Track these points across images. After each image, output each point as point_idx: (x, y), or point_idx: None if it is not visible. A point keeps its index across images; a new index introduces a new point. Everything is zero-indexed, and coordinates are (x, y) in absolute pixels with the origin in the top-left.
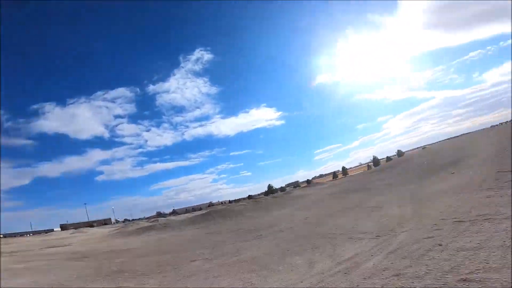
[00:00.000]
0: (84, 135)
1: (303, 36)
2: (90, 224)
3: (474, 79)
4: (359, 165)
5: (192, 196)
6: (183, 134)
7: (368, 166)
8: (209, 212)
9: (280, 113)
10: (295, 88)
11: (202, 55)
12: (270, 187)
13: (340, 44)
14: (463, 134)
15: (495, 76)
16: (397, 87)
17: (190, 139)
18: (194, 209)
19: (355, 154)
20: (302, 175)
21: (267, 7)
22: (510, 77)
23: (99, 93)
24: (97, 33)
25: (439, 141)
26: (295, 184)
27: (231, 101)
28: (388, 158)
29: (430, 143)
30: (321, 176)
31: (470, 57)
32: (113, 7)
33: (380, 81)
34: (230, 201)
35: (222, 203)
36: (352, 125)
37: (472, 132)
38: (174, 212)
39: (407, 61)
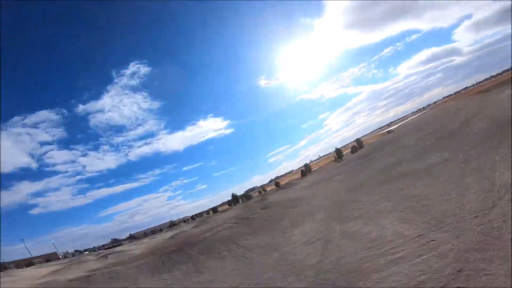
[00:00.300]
0: (7, 168)
1: (243, 43)
2: (29, 262)
3: (390, 72)
4: (310, 162)
5: (148, 218)
6: (127, 154)
7: (335, 158)
8: (181, 247)
9: (228, 121)
10: (240, 95)
11: (138, 69)
12: (234, 196)
13: (279, 47)
14: (391, 122)
15: (405, 69)
16: (330, 85)
17: (136, 159)
18: (154, 231)
19: (305, 152)
20: (258, 180)
21: (202, 12)
22: (417, 69)
23: (16, 118)
24: (6, 48)
25: (385, 125)
26: (260, 189)
27: (176, 115)
28: (354, 148)
29: (367, 133)
30: (277, 178)
31: (385, 53)
32: (28, 16)
33: (315, 81)
34: (192, 217)
35: (184, 220)
36: (297, 125)
37: (401, 117)
38: (131, 237)
39: (335, 60)
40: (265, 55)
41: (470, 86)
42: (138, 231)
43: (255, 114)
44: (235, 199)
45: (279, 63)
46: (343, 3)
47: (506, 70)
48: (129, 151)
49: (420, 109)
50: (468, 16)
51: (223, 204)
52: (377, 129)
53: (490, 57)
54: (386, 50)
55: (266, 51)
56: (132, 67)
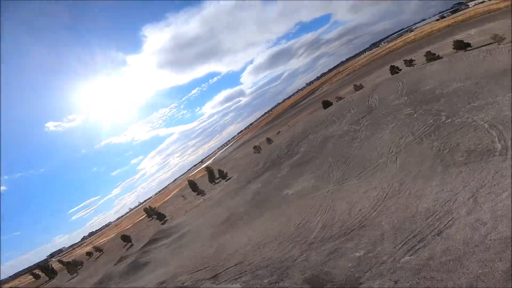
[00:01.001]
0: None
1: (20, 74)
2: None
3: (197, 112)
4: (129, 211)
5: None
6: None
7: (195, 189)
8: None
9: None
10: (15, 143)
11: None
12: (46, 267)
13: (79, 83)
14: (204, 158)
15: (208, 108)
16: (142, 127)
17: None
18: None
19: (121, 201)
20: (63, 241)
21: None
22: (218, 109)
23: None
24: None
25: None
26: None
27: None
28: (210, 175)
29: (184, 172)
30: (92, 234)
31: (193, 94)
32: None
33: (125, 122)
34: None
35: None
36: (106, 174)
37: (209, 154)
38: None
39: (148, 100)
40: (55, 91)
41: (254, 122)
42: None
43: (41, 164)
44: (47, 269)
45: (76, 101)
46: (160, 42)
47: (274, 107)
48: None
49: (224, 144)
50: (251, 61)
51: (17, 276)
52: (192, 167)
53: (262, 97)
54: (193, 91)
55: (56, 86)
56: None
